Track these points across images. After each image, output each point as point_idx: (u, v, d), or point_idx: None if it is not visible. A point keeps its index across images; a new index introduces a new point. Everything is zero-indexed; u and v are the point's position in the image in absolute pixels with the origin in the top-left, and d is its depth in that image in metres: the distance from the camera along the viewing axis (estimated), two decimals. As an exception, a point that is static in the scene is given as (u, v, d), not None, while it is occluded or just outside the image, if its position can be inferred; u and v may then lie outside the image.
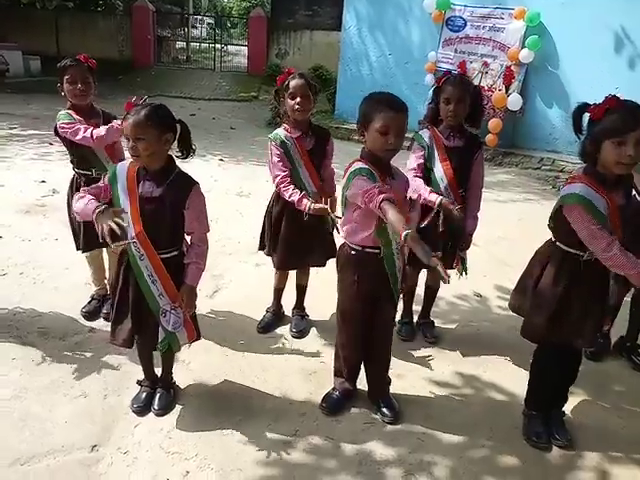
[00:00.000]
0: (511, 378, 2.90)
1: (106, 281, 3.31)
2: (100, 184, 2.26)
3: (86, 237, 3.01)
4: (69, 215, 3.05)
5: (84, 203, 2.14)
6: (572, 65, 8.28)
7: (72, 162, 3.03)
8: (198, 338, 2.46)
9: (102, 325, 3.13)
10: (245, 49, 20.45)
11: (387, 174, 2.29)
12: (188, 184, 2.23)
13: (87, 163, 2.97)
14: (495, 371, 2.98)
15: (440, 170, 2.90)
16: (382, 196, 2.00)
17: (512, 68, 8.65)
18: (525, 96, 8.65)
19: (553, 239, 2.34)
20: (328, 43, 15.87)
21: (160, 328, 2.29)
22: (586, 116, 2.14)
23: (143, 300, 2.26)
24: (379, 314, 2.49)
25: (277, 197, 3.04)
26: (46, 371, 2.70)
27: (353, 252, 2.39)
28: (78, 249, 3.13)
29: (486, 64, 9.06)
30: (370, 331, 2.53)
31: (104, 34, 16.31)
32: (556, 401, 2.51)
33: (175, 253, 2.29)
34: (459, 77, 2.86)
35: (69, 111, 2.90)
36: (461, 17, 9.19)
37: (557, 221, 2.23)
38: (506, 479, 2.24)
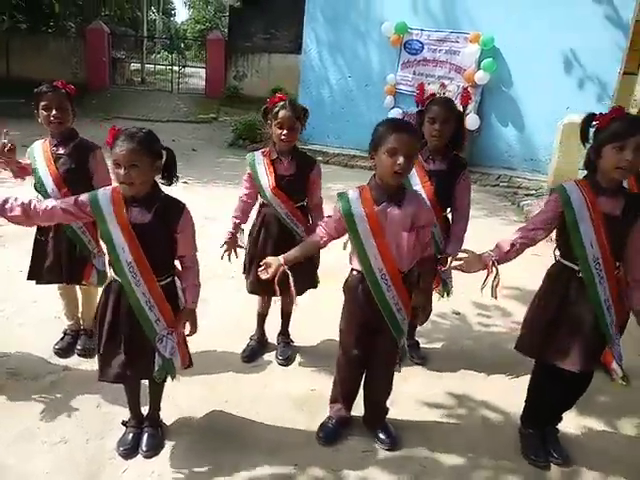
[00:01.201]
0: (501, 396, 2.90)
1: (79, 315, 3.14)
2: (68, 202, 2.15)
3: (44, 269, 2.88)
4: (33, 243, 2.90)
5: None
6: (525, 86, 8.65)
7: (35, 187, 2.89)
8: (190, 364, 2.38)
9: (77, 362, 2.96)
10: (201, 71, 20.37)
11: (389, 200, 2.22)
12: (177, 208, 2.19)
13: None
14: (484, 390, 2.98)
15: (421, 192, 2.90)
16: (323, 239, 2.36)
17: (469, 89, 8.92)
18: (481, 116, 8.95)
19: (556, 255, 2.36)
20: (286, 66, 15.98)
21: (157, 355, 2.19)
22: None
23: (138, 330, 2.16)
24: (376, 340, 2.43)
25: (256, 220, 3.03)
26: (19, 417, 2.51)
27: (354, 273, 2.39)
28: (37, 281, 2.96)
29: (444, 86, 9.29)
30: (370, 356, 2.48)
31: (56, 56, 15.87)
32: (552, 419, 2.53)
33: (169, 280, 2.25)
34: (445, 98, 2.89)
35: (36, 144, 2.83)
36: (418, 41, 9.45)
37: (556, 230, 2.30)
38: (511, 501, 2.23)
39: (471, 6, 8.87)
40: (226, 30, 19.64)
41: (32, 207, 2.09)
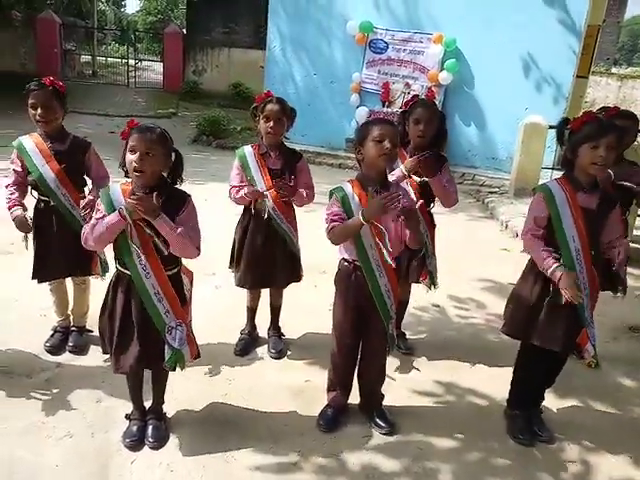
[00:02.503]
0: (485, 383, 3.07)
1: (69, 312, 3.10)
2: (98, 216, 2.17)
3: (49, 266, 2.84)
4: (34, 242, 2.84)
5: (102, 223, 2.10)
6: (486, 87, 8.98)
7: (33, 187, 2.84)
8: (199, 355, 2.43)
9: (69, 359, 2.94)
10: (155, 64, 19.97)
11: (376, 192, 2.34)
12: (182, 198, 2.23)
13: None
14: (469, 376, 3.15)
15: (408, 188, 3.03)
16: (332, 225, 2.35)
17: (433, 89, 9.20)
18: (445, 114, 9.21)
19: None
20: (247, 61, 15.92)
21: (166, 346, 2.23)
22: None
23: (149, 321, 2.20)
24: (369, 328, 2.56)
25: (243, 215, 3.10)
26: (20, 413, 2.48)
27: (346, 264, 2.50)
28: (39, 280, 2.91)
29: (408, 85, 9.55)
30: (363, 345, 2.61)
31: (3, 46, 15.20)
32: (536, 399, 2.71)
33: (175, 270, 2.30)
34: (428, 100, 3.04)
35: (25, 140, 2.77)
36: (383, 40, 9.63)
37: None
38: (505, 476, 2.39)
39: (434, 8, 9.12)
40: (178, 22, 19.31)
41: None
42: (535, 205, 2.47)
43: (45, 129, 2.77)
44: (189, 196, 2.26)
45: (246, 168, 2.97)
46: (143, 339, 2.22)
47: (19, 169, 2.78)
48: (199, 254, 2.24)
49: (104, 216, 2.13)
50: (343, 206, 2.36)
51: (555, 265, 2.35)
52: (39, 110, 2.69)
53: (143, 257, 2.15)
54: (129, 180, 2.19)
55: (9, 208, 2.72)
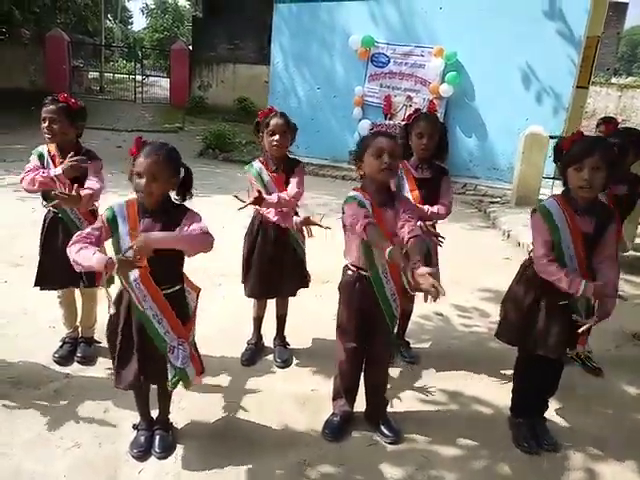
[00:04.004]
0: (489, 391, 3.09)
1: (78, 323, 3.14)
2: (95, 227, 2.18)
3: (53, 275, 2.90)
4: (40, 250, 2.91)
5: (90, 254, 2.04)
6: (487, 98, 9.08)
7: (44, 198, 2.90)
8: (203, 371, 2.45)
9: (78, 370, 2.98)
10: (161, 80, 20.24)
11: (383, 203, 2.40)
12: (183, 211, 2.21)
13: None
14: (473, 385, 3.16)
15: (410, 199, 3.08)
16: (366, 220, 2.24)
17: (434, 101, 9.27)
18: (446, 127, 9.28)
19: (531, 254, 2.56)
20: (252, 76, 16.14)
21: (169, 365, 2.25)
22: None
23: (149, 338, 2.22)
24: (373, 333, 2.58)
25: (251, 227, 3.14)
26: (28, 423, 2.52)
27: (350, 272, 2.54)
28: (42, 287, 2.97)
29: (410, 98, 9.66)
30: (367, 350, 2.63)
31: (13, 64, 15.46)
32: (539, 407, 2.72)
33: (177, 288, 2.30)
34: (430, 114, 3.09)
35: (42, 149, 2.85)
36: (384, 54, 9.77)
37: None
38: (509, 485, 2.40)
39: (434, 22, 9.27)
40: (184, 39, 19.60)
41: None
42: (540, 229, 2.40)
43: (51, 142, 2.83)
44: (189, 210, 2.22)
45: (261, 184, 3.00)
46: (143, 356, 2.23)
47: (37, 163, 2.86)
48: (212, 240, 2.14)
49: (102, 229, 2.14)
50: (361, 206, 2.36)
51: (584, 282, 2.28)
52: (47, 123, 2.77)
53: (139, 281, 2.15)
54: (134, 196, 2.20)
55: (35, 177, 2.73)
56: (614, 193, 2.96)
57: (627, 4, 22.36)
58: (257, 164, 3.07)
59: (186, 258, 2.28)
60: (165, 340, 2.22)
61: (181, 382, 2.29)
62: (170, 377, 2.26)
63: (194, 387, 2.84)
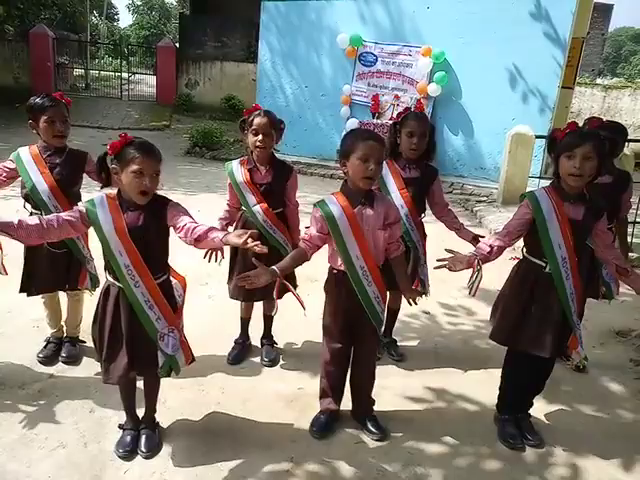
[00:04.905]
0: (475, 388, 3.11)
1: (62, 322, 3.11)
2: (72, 214, 2.17)
3: (37, 280, 2.86)
4: (25, 255, 2.87)
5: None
6: (474, 98, 9.13)
7: (25, 199, 2.87)
8: (194, 359, 2.45)
9: (62, 370, 2.95)
10: (147, 77, 20.09)
11: (362, 203, 2.40)
12: (164, 203, 2.25)
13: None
14: (459, 382, 3.18)
15: (399, 198, 3.08)
16: (307, 239, 2.43)
17: (422, 101, 9.31)
18: (434, 127, 9.33)
19: (524, 251, 2.60)
20: (239, 74, 16.09)
21: (159, 353, 2.26)
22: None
23: (139, 329, 2.22)
24: (359, 334, 2.59)
25: (236, 228, 3.09)
26: (12, 424, 2.49)
27: (334, 272, 2.55)
28: (28, 293, 2.93)
29: (397, 97, 9.69)
30: (354, 350, 2.64)
31: (-3, 60, 15.28)
32: (524, 404, 2.75)
33: (164, 277, 2.32)
34: (420, 113, 3.08)
35: (23, 152, 2.79)
36: (372, 53, 9.78)
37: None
38: (495, 481, 2.42)
39: (422, 22, 9.30)
40: (171, 36, 19.48)
41: (45, 226, 2.07)
42: (520, 212, 2.50)
43: (61, 144, 2.81)
44: (170, 201, 2.29)
45: (234, 184, 2.99)
46: (132, 349, 2.23)
47: (7, 168, 2.80)
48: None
49: (79, 218, 2.15)
50: (327, 222, 2.38)
51: (475, 254, 2.46)
52: (58, 125, 2.73)
53: (132, 268, 2.17)
54: (113, 191, 2.21)
55: None
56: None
57: (612, 6, 22.68)
58: (234, 164, 3.02)
59: (170, 255, 2.30)
60: (156, 327, 2.23)
61: (171, 368, 2.30)
62: (160, 365, 2.26)
63: (180, 387, 2.86)
